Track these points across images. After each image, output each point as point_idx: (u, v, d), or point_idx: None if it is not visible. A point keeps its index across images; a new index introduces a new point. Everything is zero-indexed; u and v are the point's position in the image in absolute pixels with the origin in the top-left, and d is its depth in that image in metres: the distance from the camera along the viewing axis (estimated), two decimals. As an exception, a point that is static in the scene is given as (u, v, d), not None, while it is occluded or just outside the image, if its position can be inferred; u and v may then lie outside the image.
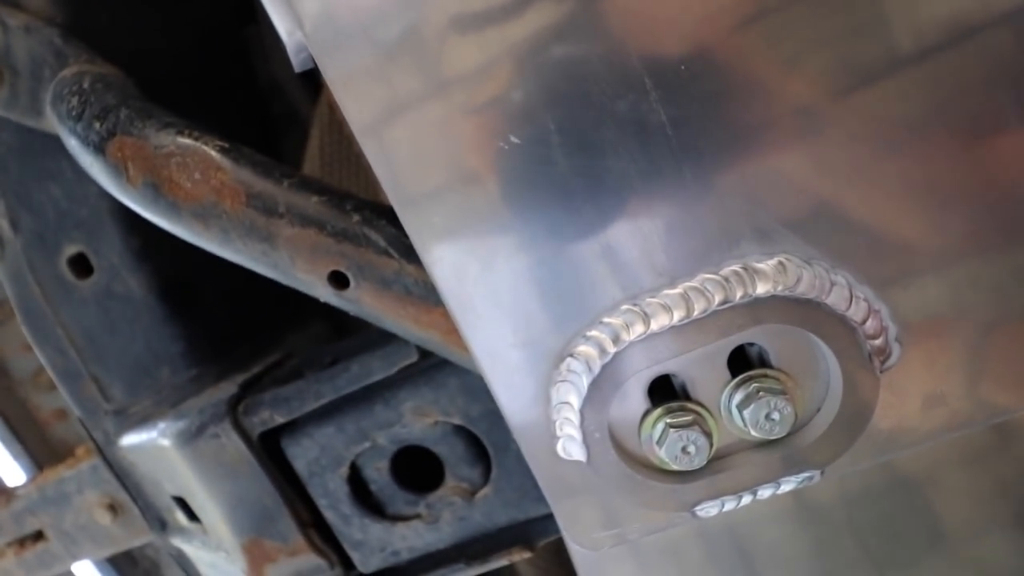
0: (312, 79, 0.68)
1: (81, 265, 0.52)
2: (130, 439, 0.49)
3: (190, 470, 0.40)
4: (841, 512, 0.34)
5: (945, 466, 0.33)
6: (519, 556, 0.38)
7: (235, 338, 0.55)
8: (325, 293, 0.31)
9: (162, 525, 0.57)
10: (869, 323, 0.25)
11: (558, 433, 0.28)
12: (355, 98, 0.25)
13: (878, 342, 0.25)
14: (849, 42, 0.22)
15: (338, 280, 0.30)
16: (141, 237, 0.52)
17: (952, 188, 0.24)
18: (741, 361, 0.27)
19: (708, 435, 0.26)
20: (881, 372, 0.26)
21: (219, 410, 0.38)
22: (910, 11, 0.22)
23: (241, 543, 0.40)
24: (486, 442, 0.37)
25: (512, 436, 0.36)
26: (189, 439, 0.38)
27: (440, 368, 0.36)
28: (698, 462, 0.26)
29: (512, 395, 0.28)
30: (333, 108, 0.64)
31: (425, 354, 0.36)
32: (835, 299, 0.25)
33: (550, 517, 0.39)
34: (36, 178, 0.51)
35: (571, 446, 0.28)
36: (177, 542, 0.56)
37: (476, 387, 0.36)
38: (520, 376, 0.28)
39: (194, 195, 0.31)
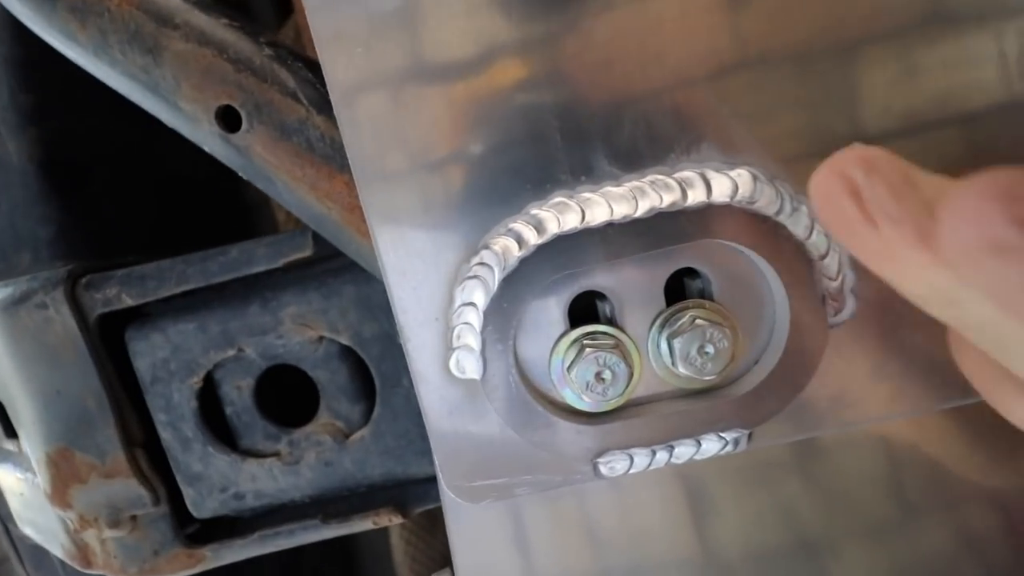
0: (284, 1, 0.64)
1: (-48, 113, 0.44)
2: (-44, 328, 0.40)
3: (5, 350, 0.32)
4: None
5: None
6: (387, 520, 0.32)
7: (118, 243, 0.48)
8: (210, 134, 0.25)
9: (-24, 446, 0.48)
10: (828, 260, 0.22)
11: (455, 343, 0.23)
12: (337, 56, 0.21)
13: (834, 284, 0.22)
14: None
15: (228, 118, 0.25)
16: (35, 96, 0.45)
17: None
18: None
19: (629, 365, 0.22)
20: (831, 325, 0.22)
21: (54, 278, 0.31)
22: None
23: (48, 452, 0.32)
24: (374, 371, 0.31)
25: (404, 371, 0.31)
26: (9, 306, 0.31)
27: (337, 274, 0.30)
28: (612, 394, 0.22)
29: (409, 289, 0.23)
30: (300, 32, 0.59)
31: (321, 255, 0.30)
32: (795, 224, 0.22)
33: (432, 481, 0.33)
34: (-79, 3, 0.43)
35: (466, 360, 0.23)
36: (-12, 468, 0.46)
37: (375, 303, 0.30)
38: (423, 265, 0.23)
39: (75, -13, 0.25)
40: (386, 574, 0.69)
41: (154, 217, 0.52)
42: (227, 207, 0.63)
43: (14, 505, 0.46)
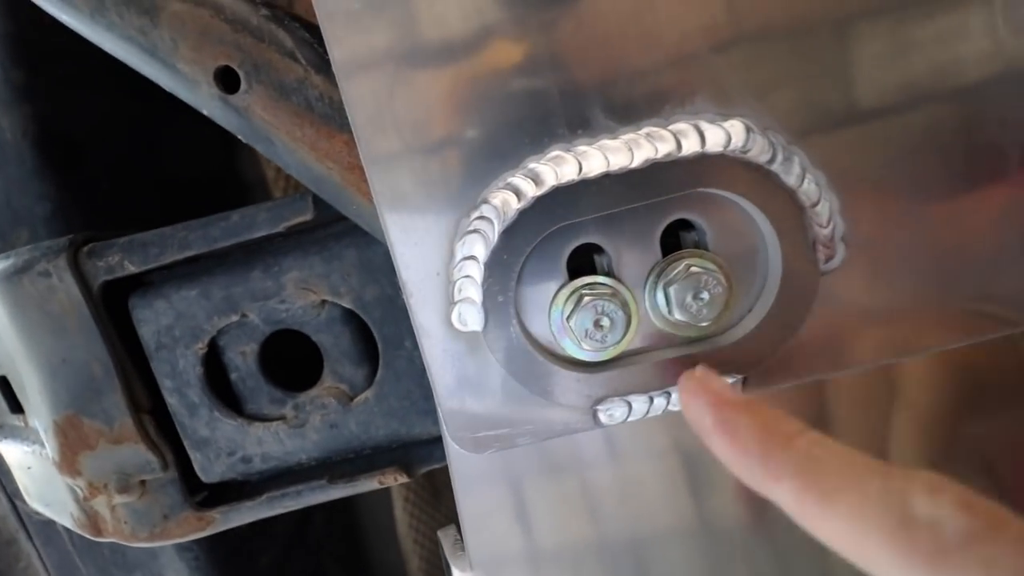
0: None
1: (-57, 90, 0.44)
2: (-43, 306, 0.40)
3: (8, 320, 0.32)
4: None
5: None
6: (392, 480, 0.33)
7: (115, 221, 0.48)
8: (209, 96, 0.25)
9: (-20, 424, 0.48)
10: (819, 207, 0.22)
11: (456, 297, 0.24)
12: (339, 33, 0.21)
13: (825, 231, 0.22)
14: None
15: (227, 79, 0.25)
16: (27, 71, 0.45)
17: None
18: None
19: (626, 313, 0.23)
20: (822, 272, 0.23)
21: (56, 246, 0.31)
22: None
23: (56, 420, 0.33)
24: (377, 334, 0.31)
25: (406, 333, 0.31)
26: (11, 275, 0.31)
27: (338, 238, 0.31)
28: (610, 340, 0.23)
29: (410, 244, 0.23)
30: None
31: (322, 220, 0.31)
32: (787, 173, 0.22)
33: (436, 441, 0.34)
34: (-91, -23, 0.43)
35: (468, 312, 0.24)
36: (-7, 444, 0.47)
37: (376, 266, 0.31)
38: (424, 221, 0.23)
39: (69, -50, 0.25)
40: (390, 546, 0.70)
41: (151, 195, 0.52)
42: (224, 187, 0.63)
43: (22, 480, 0.46)
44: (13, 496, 0.54)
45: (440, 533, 0.34)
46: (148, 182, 0.53)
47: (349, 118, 0.22)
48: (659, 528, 0.32)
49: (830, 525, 0.17)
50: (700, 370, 0.22)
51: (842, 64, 0.22)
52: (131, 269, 0.31)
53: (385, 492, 0.70)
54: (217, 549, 0.49)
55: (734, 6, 0.22)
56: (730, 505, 0.32)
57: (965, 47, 0.22)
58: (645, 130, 0.22)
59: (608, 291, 0.23)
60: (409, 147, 0.23)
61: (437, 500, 0.68)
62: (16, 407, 0.42)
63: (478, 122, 0.22)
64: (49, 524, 0.54)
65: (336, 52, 0.22)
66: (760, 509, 0.32)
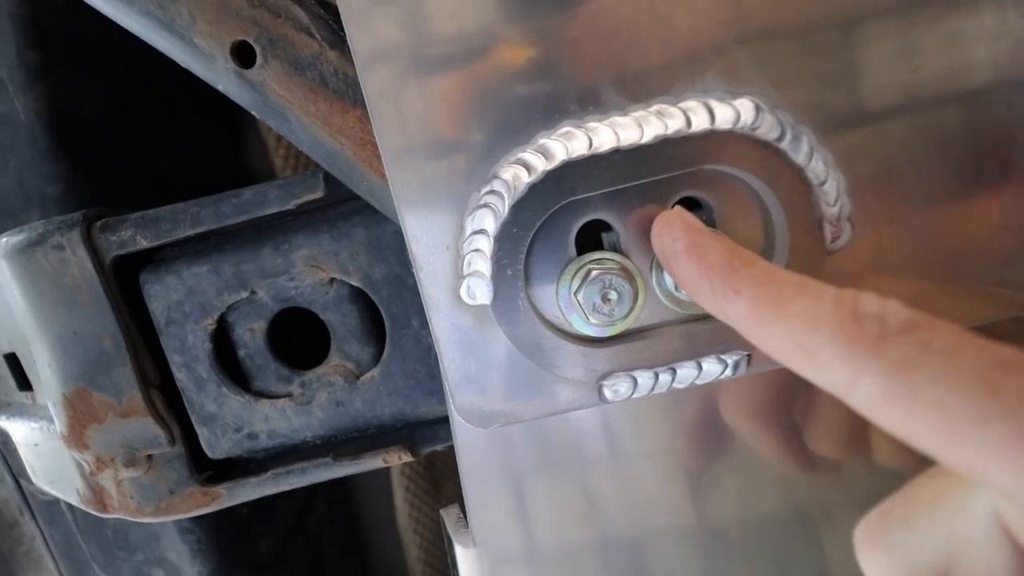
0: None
1: (-41, 71, 0.44)
2: (-32, 284, 0.41)
3: (21, 293, 0.33)
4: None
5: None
6: (396, 459, 0.33)
7: (124, 202, 0.48)
8: (225, 71, 0.26)
9: (-12, 403, 0.48)
10: (827, 186, 0.22)
11: (465, 271, 0.24)
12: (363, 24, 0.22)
13: (833, 210, 0.23)
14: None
15: (243, 54, 0.25)
16: (41, 53, 0.45)
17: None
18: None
19: (633, 288, 0.23)
20: (829, 251, 0.23)
21: (70, 220, 0.31)
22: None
23: (65, 393, 0.33)
24: (384, 312, 0.32)
25: (414, 312, 0.32)
26: (25, 248, 0.31)
27: (347, 217, 0.31)
28: (618, 314, 0.23)
29: (421, 218, 0.24)
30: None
31: (332, 199, 0.31)
32: (796, 151, 0.22)
33: (440, 422, 0.34)
34: (-74, -42, 0.44)
35: (477, 286, 0.24)
36: (2, 421, 0.47)
37: (384, 245, 0.31)
38: (435, 195, 0.24)
39: (90, -76, 0.26)
40: (390, 535, 0.70)
41: (160, 180, 0.53)
42: (231, 177, 0.64)
43: (28, 457, 0.47)
44: (18, 475, 0.54)
45: (443, 512, 0.34)
46: (157, 168, 0.53)
47: (366, 100, 0.23)
48: (658, 527, 0.32)
49: (781, 327, 0.18)
50: (677, 207, 0.23)
51: (849, 65, 0.22)
52: (143, 244, 0.31)
53: (386, 482, 0.70)
54: (219, 533, 0.50)
55: (742, 5, 0.22)
56: (730, 504, 0.32)
57: (972, 52, 0.22)
58: (655, 107, 0.22)
59: (616, 266, 0.23)
60: (421, 127, 0.23)
61: (437, 491, 0.69)
62: (24, 384, 0.42)
63: (490, 100, 0.23)
64: (54, 505, 0.54)
65: (352, 27, 0.22)
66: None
